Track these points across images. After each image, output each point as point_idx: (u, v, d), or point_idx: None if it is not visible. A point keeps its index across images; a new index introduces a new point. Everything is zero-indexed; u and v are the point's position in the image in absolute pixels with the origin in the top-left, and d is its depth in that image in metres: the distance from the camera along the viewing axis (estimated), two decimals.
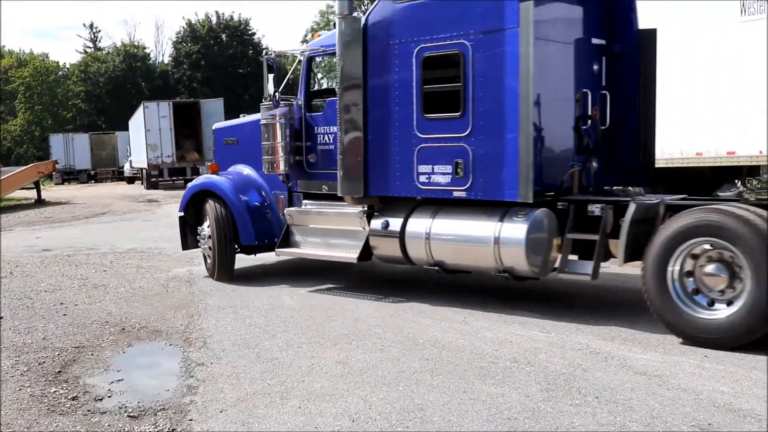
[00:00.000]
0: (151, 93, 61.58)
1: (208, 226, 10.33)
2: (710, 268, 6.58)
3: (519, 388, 5.50)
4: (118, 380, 6.14)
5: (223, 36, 66.45)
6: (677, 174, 10.27)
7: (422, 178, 8.31)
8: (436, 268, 8.40)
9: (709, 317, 6.55)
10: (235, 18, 66.94)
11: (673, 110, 14.18)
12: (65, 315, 8.44)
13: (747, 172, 14.24)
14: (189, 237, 10.87)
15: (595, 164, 8.39)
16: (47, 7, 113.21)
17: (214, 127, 12.02)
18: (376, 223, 8.81)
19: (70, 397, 5.71)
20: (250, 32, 67.36)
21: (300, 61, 9.95)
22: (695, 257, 6.73)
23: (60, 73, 73.61)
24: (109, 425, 5.14)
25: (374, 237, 8.84)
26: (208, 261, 10.53)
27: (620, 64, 8.47)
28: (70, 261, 12.61)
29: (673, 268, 6.76)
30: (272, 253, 10.33)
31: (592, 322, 7.30)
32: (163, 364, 6.72)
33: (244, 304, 8.71)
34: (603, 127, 8.42)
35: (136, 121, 39.95)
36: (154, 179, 36.69)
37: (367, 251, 9.01)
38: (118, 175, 51.25)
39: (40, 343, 7.24)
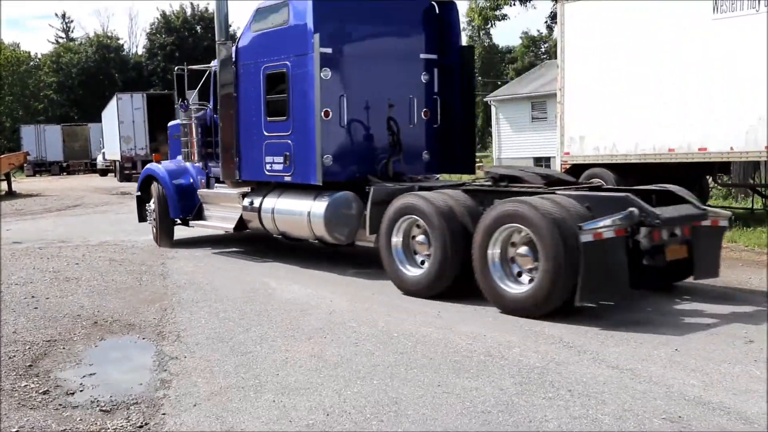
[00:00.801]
0: (125, 84, 60.96)
1: (153, 204, 12.80)
2: (420, 237, 8.54)
3: (493, 382, 5.54)
4: (90, 374, 6.08)
5: (198, 28, 66.00)
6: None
7: (268, 167, 10.55)
8: (281, 236, 11.04)
9: (415, 274, 8.51)
10: (210, 10, 66.45)
11: (664, 109, 14.14)
12: (36, 308, 8.34)
13: (719, 168, 14.37)
14: (143, 212, 13.52)
15: (426, 156, 10.74)
16: None
17: (168, 125, 14.23)
18: (246, 202, 11.10)
19: (41, 391, 5.64)
20: None
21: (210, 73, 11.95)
22: (416, 230, 8.62)
23: (31, 63, 72.57)
24: (80, 420, 5.08)
25: (245, 212, 11.14)
26: (154, 231, 13.03)
27: (449, 74, 10.73)
28: (42, 254, 12.46)
29: (396, 239, 8.75)
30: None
31: (565, 316, 7.34)
32: (136, 358, 6.66)
33: (218, 298, 8.67)
34: (435, 126, 10.72)
35: (110, 112, 39.53)
36: (127, 172, 36.38)
37: (242, 223, 11.29)
38: (91, 168, 50.73)
39: (10, 337, 7.14)
